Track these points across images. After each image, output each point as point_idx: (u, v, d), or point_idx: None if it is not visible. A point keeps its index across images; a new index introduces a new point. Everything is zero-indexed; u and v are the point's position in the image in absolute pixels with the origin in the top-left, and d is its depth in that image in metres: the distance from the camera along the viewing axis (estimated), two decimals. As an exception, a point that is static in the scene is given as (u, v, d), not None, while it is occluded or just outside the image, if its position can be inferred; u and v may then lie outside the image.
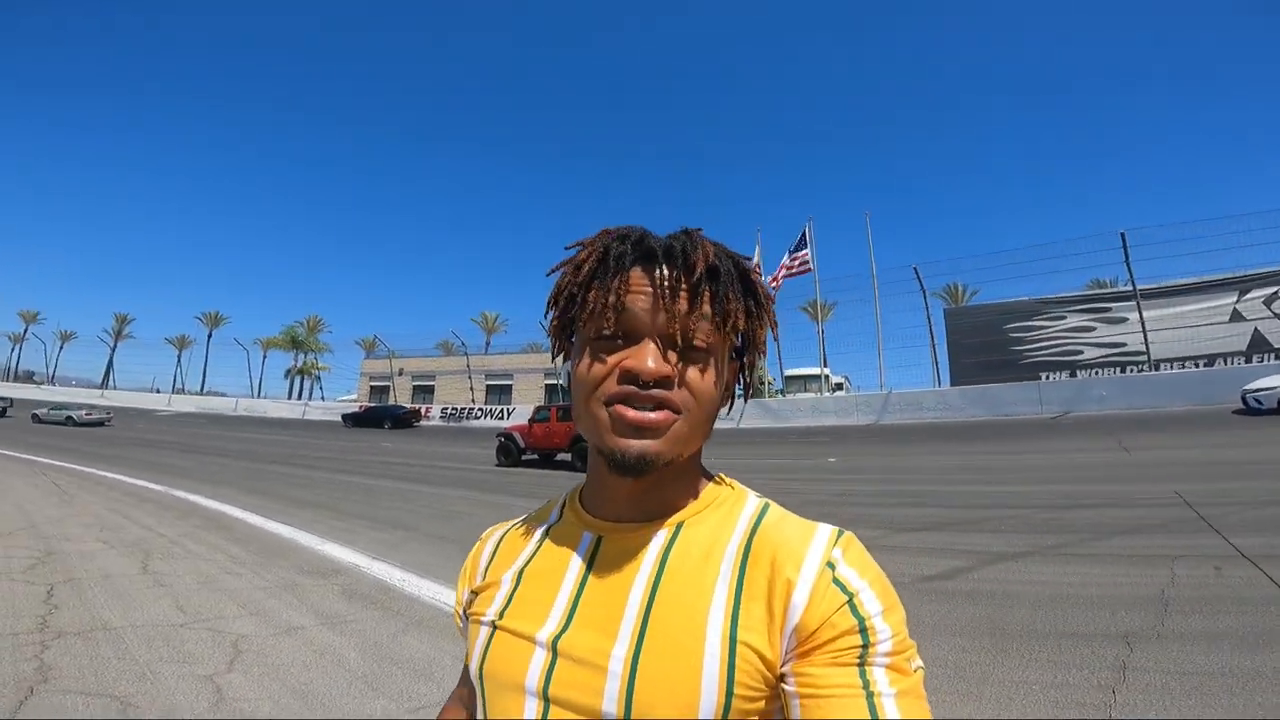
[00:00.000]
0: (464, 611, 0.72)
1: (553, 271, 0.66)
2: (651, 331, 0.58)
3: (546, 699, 0.56)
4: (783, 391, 31.65)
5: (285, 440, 22.71)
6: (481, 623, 0.65)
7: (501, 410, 33.84)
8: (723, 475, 0.70)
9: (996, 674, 2.95)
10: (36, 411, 29.83)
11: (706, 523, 0.63)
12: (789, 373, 32.50)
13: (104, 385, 57.83)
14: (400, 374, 44.87)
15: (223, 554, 5.77)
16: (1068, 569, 4.51)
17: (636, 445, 0.57)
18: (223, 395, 51.52)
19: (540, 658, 0.58)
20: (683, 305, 0.59)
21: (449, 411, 36.05)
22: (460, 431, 29.87)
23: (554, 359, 0.69)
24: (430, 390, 43.85)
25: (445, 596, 4.50)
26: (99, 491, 9.60)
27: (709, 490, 0.66)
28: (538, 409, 16.37)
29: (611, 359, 0.59)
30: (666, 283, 0.59)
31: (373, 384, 46.78)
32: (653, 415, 0.57)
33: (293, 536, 6.64)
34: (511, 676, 0.59)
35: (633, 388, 0.57)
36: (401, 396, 43.37)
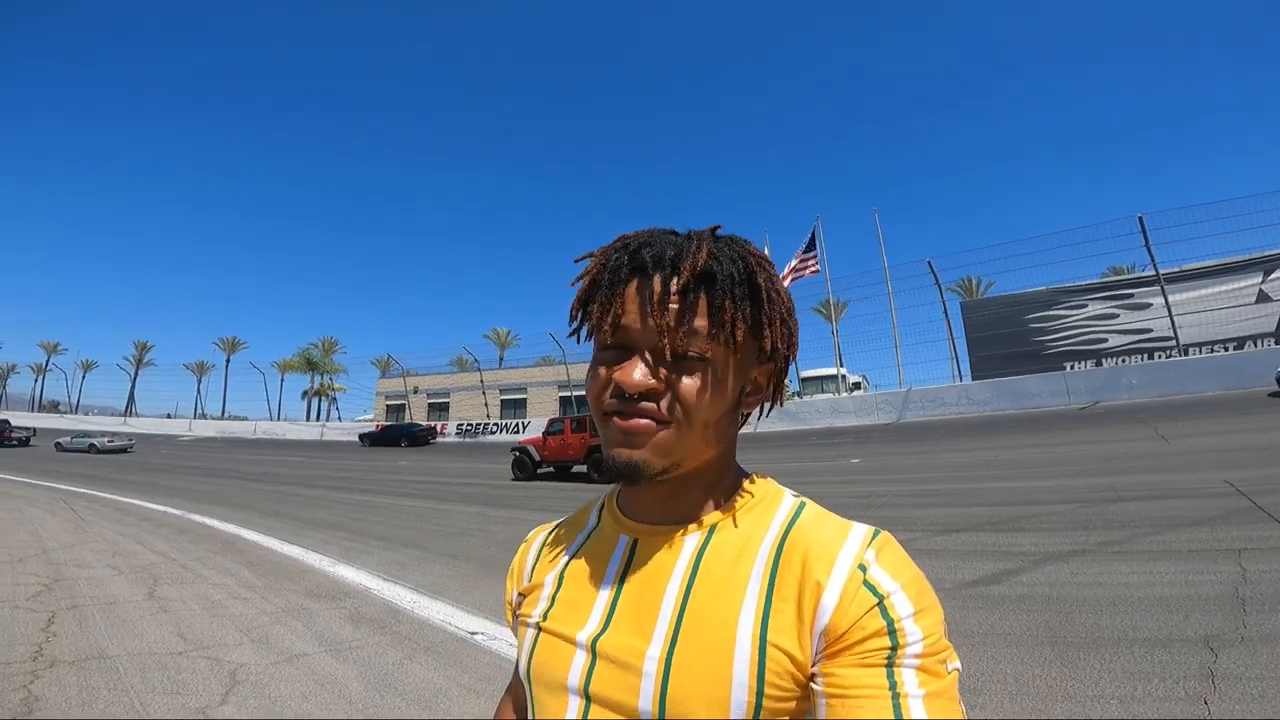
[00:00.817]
0: (514, 612, 0.73)
1: (574, 283, 0.66)
2: (642, 344, 0.59)
3: (588, 697, 0.57)
4: (799, 393, 31.20)
5: (303, 461, 22.69)
6: (528, 624, 0.66)
7: (516, 424, 33.70)
8: (759, 474, 0.68)
9: (1065, 688, 2.64)
10: (59, 440, 30.15)
11: (741, 523, 0.62)
12: (805, 374, 31.98)
13: (127, 413, 58.61)
14: (415, 392, 44.97)
15: (232, 578, 5.59)
16: (1126, 567, 4.18)
17: (624, 453, 0.58)
18: (243, 419, 51.97)
19: (581, 658, 0.59)
20: (670, 316, 0.57)
21: (464, 428, 36.00)
22: (476, 447, 29.77)
23: None
24: (445, 407, 43.88)
25: (456, 619, 4.27)
26: (115, 517, 9.50)
27: (744, 491, 0.65)
28: (551, 421, 16.14)
29: (607, 372, 0.60)
30: (655, 294, 0.58)
31: (389, 403, 46.93)
32: (638, 422, 0.58)
33: (304, 558, 6.45)
34: (555, 676, 0.60)
35: (621, 400, 0.58)
36: (417, 414, 43.43)
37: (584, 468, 14.41)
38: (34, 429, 35.17)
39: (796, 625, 0.54)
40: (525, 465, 14.97)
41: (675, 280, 0.58)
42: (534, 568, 0.73)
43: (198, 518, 9.38)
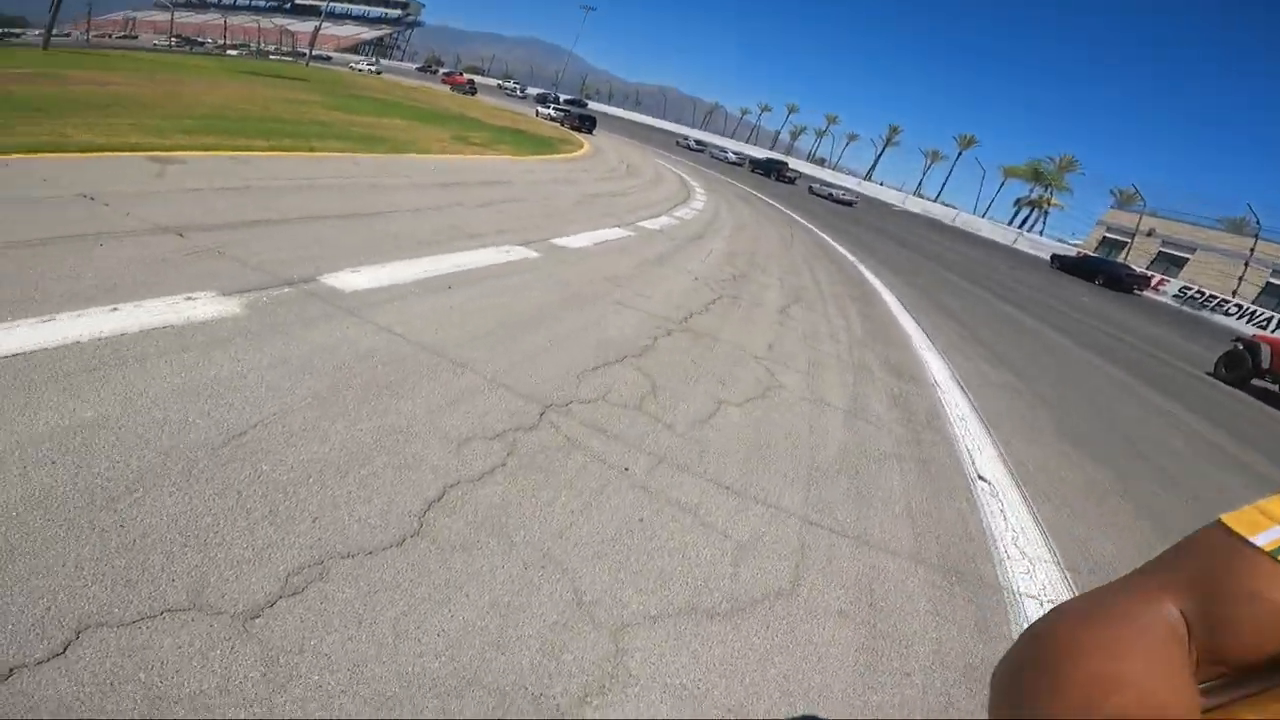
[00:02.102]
0: None
1: None
2: None
3: None
4: None
5: (984, 261, 22.16)
6: None
7: (1275, 317, 24.13)
8: None
9: None
10: (812, 185, 38.02)
11: None
12: None
13: (866, 177, 68.71)
14: (1149, 234, 36.55)
15: (844, 321, 6.18)
16: None
17: None
18: (951, 207, 53.86)
19: None
20: None
21: (1192, 294, 28.02)
22: (1194, 321, 23.06)
23: None
24: (1180, 263, 34.59)
25: (984, 464, 3.69)
26: (823, 259, 11.63)
27: None
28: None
29: None
30: None
31: (1107, 234, 39.98)
32: None
33: (912, 334, 6.54)
34: None
35: None
36: (1136, 259, 35.77)
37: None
38: (799, 173, 45.14)
39: None
40: (1238, 364, 10.45)
41: None
42: None
43: (875, 281, 10.60)
